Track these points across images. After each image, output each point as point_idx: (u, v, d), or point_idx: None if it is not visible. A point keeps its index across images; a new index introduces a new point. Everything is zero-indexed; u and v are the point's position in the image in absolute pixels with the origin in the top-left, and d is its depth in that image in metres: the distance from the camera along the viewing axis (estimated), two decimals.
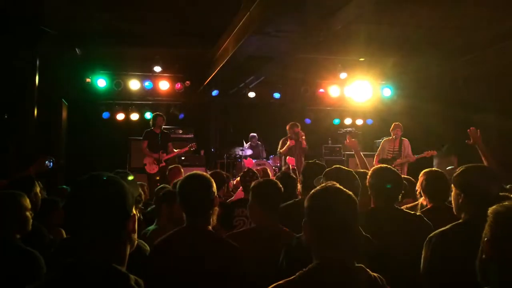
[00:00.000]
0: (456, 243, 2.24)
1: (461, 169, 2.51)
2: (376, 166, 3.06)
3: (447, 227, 2.35)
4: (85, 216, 1.42)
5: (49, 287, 1.40)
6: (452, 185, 2.50)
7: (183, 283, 2.29)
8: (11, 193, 2.73)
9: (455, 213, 2.47)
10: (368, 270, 1.72)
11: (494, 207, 1.59)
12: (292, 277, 1.71)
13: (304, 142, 8.31)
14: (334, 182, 1.85)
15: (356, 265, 1.72)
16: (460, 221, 2.37)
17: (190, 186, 2.47)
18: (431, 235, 2.35)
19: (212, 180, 2.52)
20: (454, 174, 2.51)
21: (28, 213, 2.69)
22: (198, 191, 2.45)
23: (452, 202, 2.50)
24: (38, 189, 3.44)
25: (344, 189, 1.80)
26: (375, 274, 1.72)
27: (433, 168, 3.54)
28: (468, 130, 4.15)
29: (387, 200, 2.82)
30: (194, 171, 2.61)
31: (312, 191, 1.83)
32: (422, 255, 2.35)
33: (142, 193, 4.54)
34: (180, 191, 2.48)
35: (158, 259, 2.36)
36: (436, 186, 3.26)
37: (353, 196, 1.80)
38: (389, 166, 3.06)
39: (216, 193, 2.52)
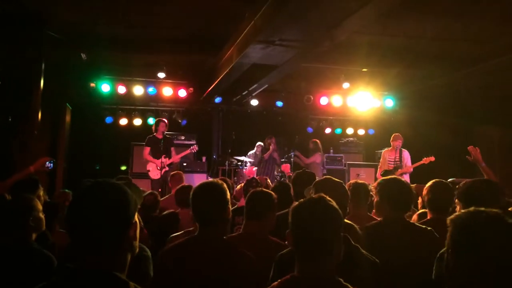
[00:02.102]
0: None
1: (466, 184, 2.47)
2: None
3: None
4: (86, 223, 1.43)
5: None
6: (457, 200, 2.46)
7: None
8: (23, 196, 2.91)
9: None
10: (347, 284, 1.71)
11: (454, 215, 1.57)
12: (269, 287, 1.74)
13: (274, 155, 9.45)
14: (323, 194, 1.84)
15: (336, 278, 1.71)
16: None
17: (205, 195, 2.41)
18: (441, 251, 2.26)
19: (227, 190, 2.46)
20: (460, 190, 2.47)
21: (41, 214, 2.85)
22: (213, 201, 2.38)
23: None
24: (41, 192, 3.50)
25: (329, 201, 1.79)
26: None
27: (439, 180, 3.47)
28: (468, 147, 4.20)
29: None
30: (209, 180, 2.56)
31: (297, 202, 1.85)
32: (434, 272, 2.29)
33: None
34: (194, 200, 2.42)
35: (167, 268, 2.30)
36: (442, 197, 3.20)
37: (337, 208, 1.78)
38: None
39: (230, 203, 2.47)
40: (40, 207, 2.89)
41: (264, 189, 3.28)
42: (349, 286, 1.70)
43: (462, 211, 1.55)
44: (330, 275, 1.71)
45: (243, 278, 2.25)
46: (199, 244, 2.34)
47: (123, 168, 9.73)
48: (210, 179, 2.61)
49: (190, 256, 2.30)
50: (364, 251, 2.29)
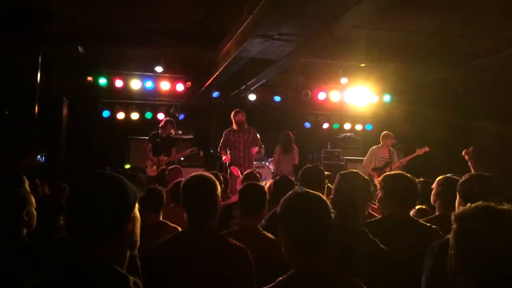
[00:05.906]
0: None
1: (465, 178, 2.46)
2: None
3: (450, 235, 2.28)
4: (84, 215, 1.41)
5: (48, 285, 1.40)
6: (457, 193, 2.46)
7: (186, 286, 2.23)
8: (18, 192, 2.83)
9: None
10: (351, 278, 1.70)
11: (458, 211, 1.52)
12: (272, 285, 1.71)
13: (256, 145, 7.81)
14: (303, 188, 1.86)
15: (338, 273, 1.70)
16: None
17: (196, 187, 2.41)
18: (433, 244, 2.25)
19: (217, 182, 2.47)
20: (459, 183, 2.46)
21: (34, 209, 2.78)
22: (204, 193, 2.39)
23: (457, 210, 2.44)
24: (27, 186, 3.49)
25: (315, 193, 1.78)
26: (358, 282, 1.71)
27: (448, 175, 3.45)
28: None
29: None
30: (199, 172, 2.55)
31: (284, 197, 1.81)
32: (425, 265, 2.25)
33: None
34: (185, 192, 2.42)
35: (158, 263, 2.28)
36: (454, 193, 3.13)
37: (324, 199, 1.77)
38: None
39: (220, 195, 2.48)
40: (34, 202, 2.83)
41: (256, 182, 3.25)
42: (353, 279, 1.70)
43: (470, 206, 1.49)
44: (330, 268, 1.70)
45: (238, 269, 2.25)
46: (192, 237, 2.34)
47: (127, 166, 9.64)
48: (200, 172, 2.59)
49: (184, 250, 2.29)
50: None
